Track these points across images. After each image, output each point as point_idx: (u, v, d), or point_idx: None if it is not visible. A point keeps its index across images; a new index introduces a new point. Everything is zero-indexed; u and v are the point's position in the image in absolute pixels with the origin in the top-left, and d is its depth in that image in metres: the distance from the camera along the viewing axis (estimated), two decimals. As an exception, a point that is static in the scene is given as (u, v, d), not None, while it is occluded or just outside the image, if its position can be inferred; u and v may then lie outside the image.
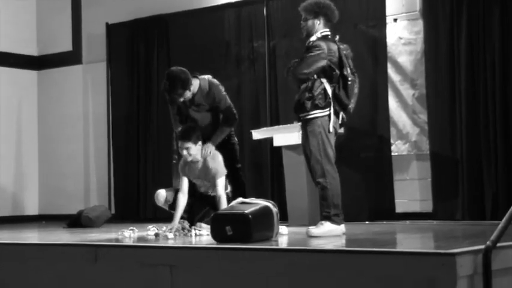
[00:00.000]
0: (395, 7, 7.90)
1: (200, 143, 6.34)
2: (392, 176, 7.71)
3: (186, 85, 6.41)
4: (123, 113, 9.77)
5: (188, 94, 6.49)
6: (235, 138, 6.84)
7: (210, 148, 6.39)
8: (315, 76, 5.63)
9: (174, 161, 9.19)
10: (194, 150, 6.32)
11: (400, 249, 4.47)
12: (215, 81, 6.69)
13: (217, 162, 6.37)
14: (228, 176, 6.45)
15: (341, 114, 5.69)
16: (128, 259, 4.96)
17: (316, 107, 5.59)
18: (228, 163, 6.47)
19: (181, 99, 6.50)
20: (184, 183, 6.45)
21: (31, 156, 10.52)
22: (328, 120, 5.62)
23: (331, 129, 5.63)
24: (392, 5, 7.89)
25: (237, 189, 6.56)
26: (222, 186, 6.33)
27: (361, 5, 7.95)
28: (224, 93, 6.62)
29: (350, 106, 5.69)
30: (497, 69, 7.14)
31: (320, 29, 5.76)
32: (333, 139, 5.69)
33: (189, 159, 6.36)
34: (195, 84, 6.56)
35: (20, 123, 10.50)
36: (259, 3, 8.64)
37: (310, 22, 5.78)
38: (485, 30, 7.24)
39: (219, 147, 6.50)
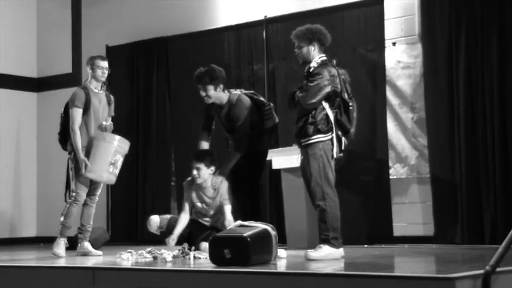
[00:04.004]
0: (394, 31, 7.92)
1: (213, 168, 6.46)
2: (390, 199, 7.70)
3: (213, 81, 6.53)
4: (121, 135, 9.74)
5: (211, 91, 6.56)
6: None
7: (221, 179, 6.50)
8: (317, 102, 5.66)
9: (173, 183, 9.24)
10: (204, 173, 6.43)
11: (399, 274, 4.46)
12: (244, 99, 6.71)
13: (227, 189, 6.48)
14: (247, 188, 6.58)
15: (343, 139, 5.71)
16: (126, 282, 4.94)
17: (318, 131, 5.61)
18: (252, 179, 6.63)
19: (203, 93, 6.57)
20: (187, 203, 6.57)
21: (29, 177, 10.50)
22: (331, 144, 5.64)
23: (335, 155, 5.65)
24: (391, 29, 7.91)
25: (251, 200, 6.64)
26: (230, 213, 6.42)
27: (360, 29, 7.98)
28: (246, 113, 6.63)
29: (352, 131, 5.73)
30: (496, 93, 7.15)
31: (316, 54, 5.79)
32: (333, 163, 5.69)
33: (198, 181, 6.46)
34: (224, 96, 6.65)
35: (19, 144, 10.49)
36: (258, 26, 8.67)
37: (305, 49, 5.80)
38: (483, 54, 7.26)
39: (249, 158, 6.57)
